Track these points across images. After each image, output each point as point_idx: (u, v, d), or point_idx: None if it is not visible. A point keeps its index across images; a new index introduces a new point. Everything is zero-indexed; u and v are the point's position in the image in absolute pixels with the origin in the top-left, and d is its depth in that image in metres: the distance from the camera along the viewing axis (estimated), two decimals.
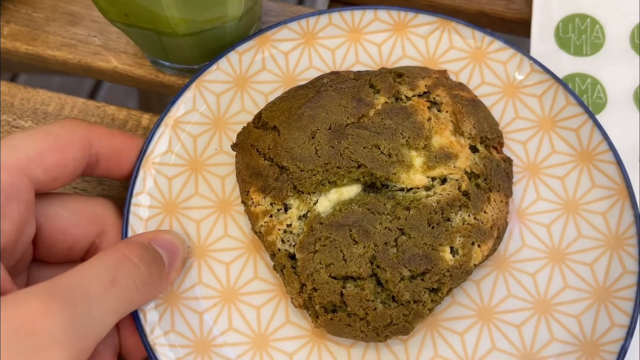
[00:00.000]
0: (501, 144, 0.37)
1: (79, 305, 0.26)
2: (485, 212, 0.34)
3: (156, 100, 0.90)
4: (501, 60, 0.40)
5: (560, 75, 0.41)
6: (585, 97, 0.40)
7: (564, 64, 0.41)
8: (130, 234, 0.35)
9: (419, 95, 0.37)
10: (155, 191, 0.36)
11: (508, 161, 0.36)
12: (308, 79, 0.40)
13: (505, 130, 0.39)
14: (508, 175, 0.36)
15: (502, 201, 0.35)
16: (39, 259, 0.34)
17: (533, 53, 0.42)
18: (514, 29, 0.46)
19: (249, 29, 0.41)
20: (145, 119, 0.42)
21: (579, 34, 0.41)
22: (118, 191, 0.40)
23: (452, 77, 0.40)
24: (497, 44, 0.40)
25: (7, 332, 0.24)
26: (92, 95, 1.07)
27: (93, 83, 1.07)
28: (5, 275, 0.29)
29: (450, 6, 0.45)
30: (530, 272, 0.35)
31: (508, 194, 0.35)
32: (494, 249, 0.34)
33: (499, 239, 0.34)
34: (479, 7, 0.45)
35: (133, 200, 0.35)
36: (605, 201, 0.36)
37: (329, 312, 0.32)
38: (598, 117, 0.40)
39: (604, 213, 0.36)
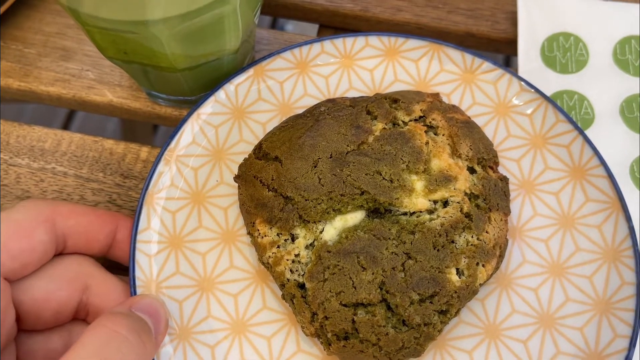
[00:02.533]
0: (496, 164, 0.38)
1: None
2: (487, 232, 0.35)
3: (140, 126, 0.90)
4: (491, 81, 0.41)
5: (548, 93, 0.42)
6: (573, 113, 0.42)
7: (551, 82, 0.43)
8: (137, 272, 0.35)
9: (415, 120, 0.37)
10: (159, 226, 0.36)
11: (504, 180, 0.37)
12: (304, 107, 0.40)
13: (499, 149, 0.40)
14: (505, 194, 0.37)
15: (501, 220, 0.36)
16: (29, 330, 0.33)
17: (521, 72, 0.43)
18: (501, 49, 0.47)
19: (244, 59, 0.42)
20: (144, 151, 0.42)
21: (564, 52, 0.43)
22: None
23: (445, 99, 0.41)
24: (487, 65, 0.41)
25: None
26: (68, 123, 1.06)
27: (67, 110, 1.06)
28: None
29: (438, 28, 0.46)
30: (532, 287, 0.36)
31: (507, 212, 0.36)
32: (497, 267, 0.35)
33: (501, 257, 0.35)
34: (466, 29, 0.46)
35: (138, 237, 0.35)
36: (600, 214, 0.37)
37: (341, 340, 0.33)
38: (587, 132, 0.41)
39: (599, 226, 0.37)
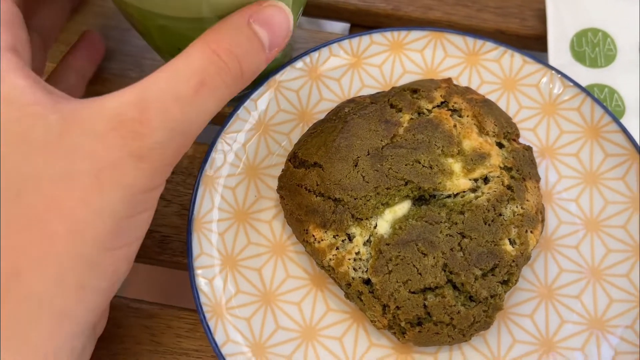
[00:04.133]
0: (518, 135, 0.40)
1: (172, 111, 0.27)
2: (527, 200, 0.36)
3: None
4: (494, 59, 0.43)
5: None
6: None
7: (582, 76, 0.44)
8: (202, 298, 0.35)
9: (438, 106, 0.39)
10: (211, 250, 0.37)
11: (529, 149, 0.39)
12: (322, 111, 0.41)
13: (515, 120, 0.42)
14: (533, 162, 0.39)
15: (535, 187, 0.38)
16: None
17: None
18: (530, 45, 0.49)
19: (284, 58, 0.43)
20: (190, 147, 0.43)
21: (593, 47, 0.45)
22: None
23: (455, 83, 0.43)
24: (488, 45, 0.43)
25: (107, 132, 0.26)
26: None
27: None
28: None
29: (468, 26, 0.48)
30: (573, 245, 0.38)
31: (538, 179, 0.38)
32: (541, 232, 0.37)
33: (544, 221, 0.37)
34: (496, 26, 0.48)
35: (195, 264, 0.36)
36: (621, 167, 0.39)
37: (415, 326, 0.34)
38: None
39: (622, 178, 0.39)
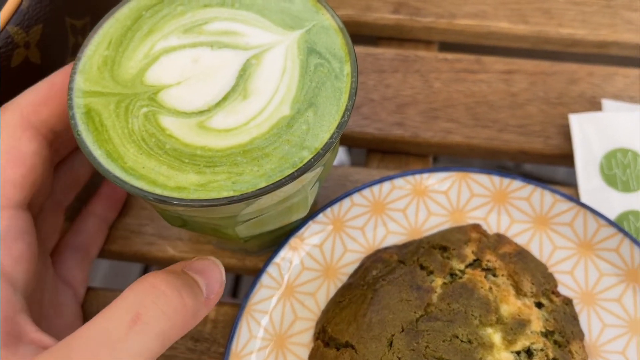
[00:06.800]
0: (556, 286, 0.38)
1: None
2: None
3: None
4: (524, 197, 0.41)
5: (613, 215, 0.42)
6: None
7: (615, 202, 0.42)
8: None
9: (471, 264, 0.37)
10: None
11: (569, 303, 0.37)
12: (348, 264, 0.40)
13: (549, 263, 0.40)
14: (574, 317, 0.37)
15: (580, 347, 0.36)
16: None
17: (582, 193, 0.43)
18: (555, 162, 0.47)
19: (309, 214, 0.41)
20: (212, 311, 0.41)
21: (623, 168, 0.42)
22: None
23: (482, 224, 0.41)
24: (516, 183, 0.41)
25: None
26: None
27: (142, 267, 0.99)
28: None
29: (490, 148, 0.46)
30: None
31: (581, 337, 0.36)
32: None
33: None
34: (519, 147, 0.46)
35: None
36: None
37: None
38: None
39: None
